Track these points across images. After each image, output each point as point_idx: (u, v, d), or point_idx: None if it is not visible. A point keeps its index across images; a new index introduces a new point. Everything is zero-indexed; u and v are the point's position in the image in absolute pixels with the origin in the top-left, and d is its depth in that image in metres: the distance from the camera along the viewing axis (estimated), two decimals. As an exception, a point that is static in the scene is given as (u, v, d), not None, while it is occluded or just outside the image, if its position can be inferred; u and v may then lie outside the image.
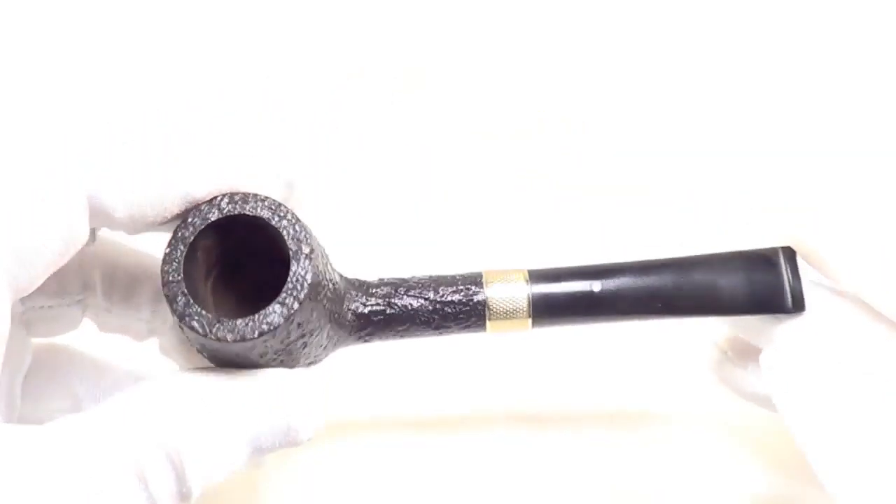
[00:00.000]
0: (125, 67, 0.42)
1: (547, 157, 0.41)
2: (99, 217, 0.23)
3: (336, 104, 0.42)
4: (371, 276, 0.29)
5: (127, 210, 0.23)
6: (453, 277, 0.28)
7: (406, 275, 0.29)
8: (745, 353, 0.31)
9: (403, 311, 0.28)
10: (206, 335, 0.23)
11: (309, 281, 0.23)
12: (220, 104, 0.41)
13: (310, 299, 0.24)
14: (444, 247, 0.39)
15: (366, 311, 0.27)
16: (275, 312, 0.23)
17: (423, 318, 0.28)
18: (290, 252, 0.24)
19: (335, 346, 0.27)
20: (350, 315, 0.27)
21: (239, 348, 0.23)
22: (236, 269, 0.27)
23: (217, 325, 0.23)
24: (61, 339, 0.29)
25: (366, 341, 0.28)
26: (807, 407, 0.26)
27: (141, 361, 0.30)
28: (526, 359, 0.36)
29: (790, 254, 0.29)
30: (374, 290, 0.28)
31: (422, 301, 0.28)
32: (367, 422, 0.36)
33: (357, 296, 0.27)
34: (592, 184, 0.40)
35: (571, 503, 0.33)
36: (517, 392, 0.36)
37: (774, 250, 0.29)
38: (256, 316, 0.23)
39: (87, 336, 0.29)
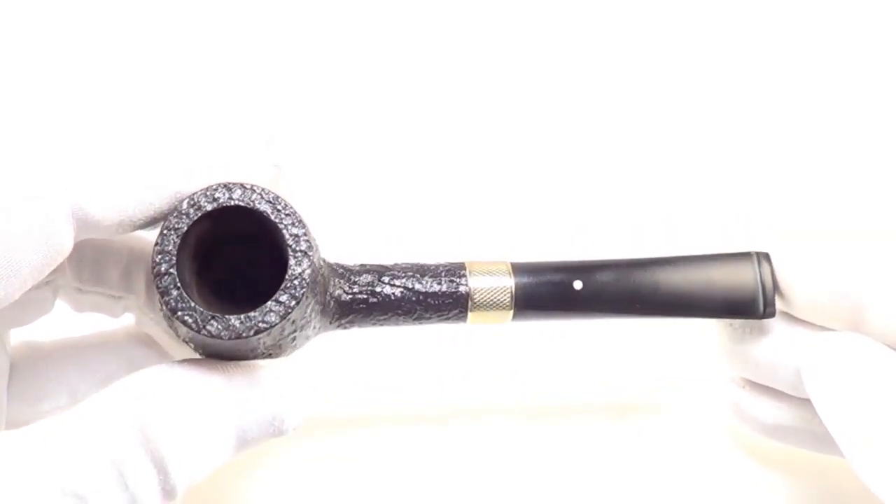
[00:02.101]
0: (109, 69, 0.40)
1: (533, 150, 0.41)
2: (86, 228, 0.23)
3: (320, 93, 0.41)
4: (352, 261, 0.28)
5: (116, 216, 0.23)
6: (437, 267, 0.28)
7: (388, 262, 0.28)
8: (761, 387, 0.31)
9: (385, 301, 0.27)
10: (198, 331, 0.22)
11: (307, 280, 0.23)
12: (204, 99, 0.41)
13: (306, 297, 0.23)
14: (426, 234, 0.38)
15: (348, 298, 0.27)
16: (272, 311, 0.22)
17: (405, 308, 0.27)
18: (289, 250, 0.23)
19: (317, 333, 0.27)
20: (332, 303, 0.27)
21: (231, 344, 0.23)
22: (216, 249, 0.26)
23: (211, 322, 0.22)
24: (44, 336, 0.28)
25: (345, 328, 0.28)
26: (853, 410, 0.25)
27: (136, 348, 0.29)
28: (520, 352, 0.36)
29: (766, 259, 0.29)
30: (356, 278, 0.27)
31: (404, 291, 0.27)
32: (362, 417, 0.35)
33: (340, 283, 0.27)
34: (580, 179, 0.40)
35: (564, 495, 0.34)
36: (511, 385, 0.36)
37: (751, 255, 0.29)
38: (253, 314, 0.22)
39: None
